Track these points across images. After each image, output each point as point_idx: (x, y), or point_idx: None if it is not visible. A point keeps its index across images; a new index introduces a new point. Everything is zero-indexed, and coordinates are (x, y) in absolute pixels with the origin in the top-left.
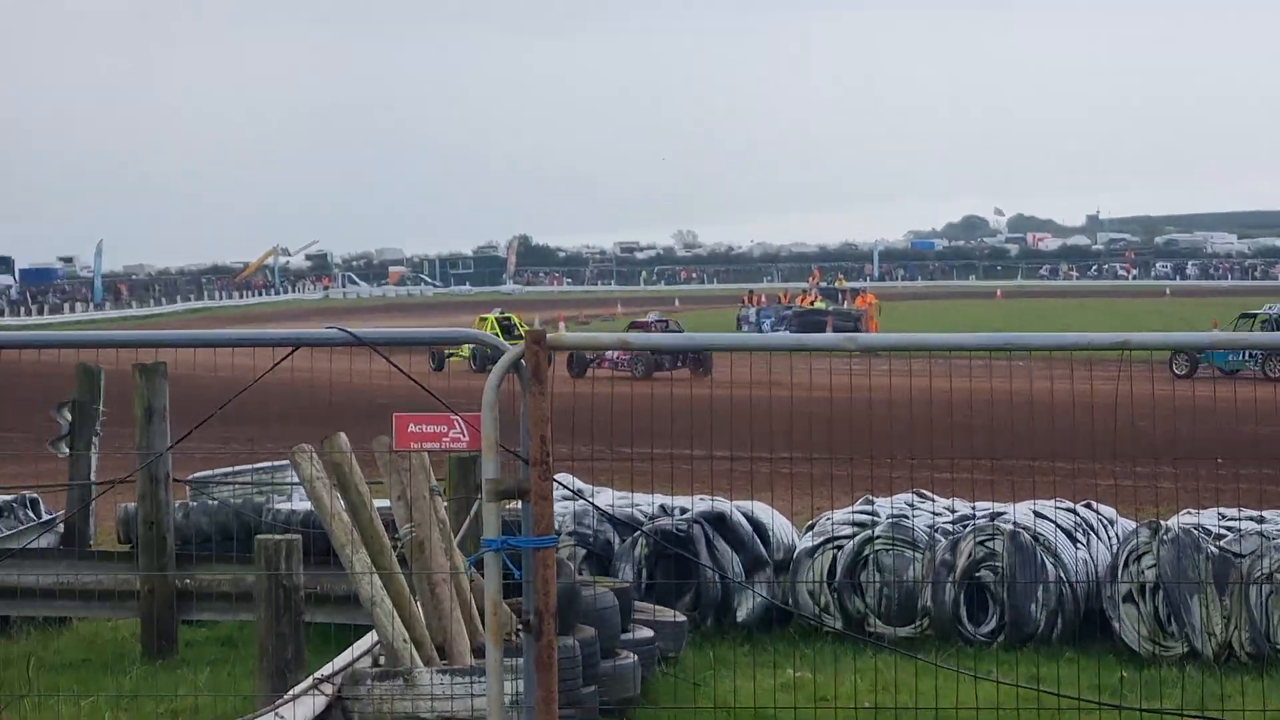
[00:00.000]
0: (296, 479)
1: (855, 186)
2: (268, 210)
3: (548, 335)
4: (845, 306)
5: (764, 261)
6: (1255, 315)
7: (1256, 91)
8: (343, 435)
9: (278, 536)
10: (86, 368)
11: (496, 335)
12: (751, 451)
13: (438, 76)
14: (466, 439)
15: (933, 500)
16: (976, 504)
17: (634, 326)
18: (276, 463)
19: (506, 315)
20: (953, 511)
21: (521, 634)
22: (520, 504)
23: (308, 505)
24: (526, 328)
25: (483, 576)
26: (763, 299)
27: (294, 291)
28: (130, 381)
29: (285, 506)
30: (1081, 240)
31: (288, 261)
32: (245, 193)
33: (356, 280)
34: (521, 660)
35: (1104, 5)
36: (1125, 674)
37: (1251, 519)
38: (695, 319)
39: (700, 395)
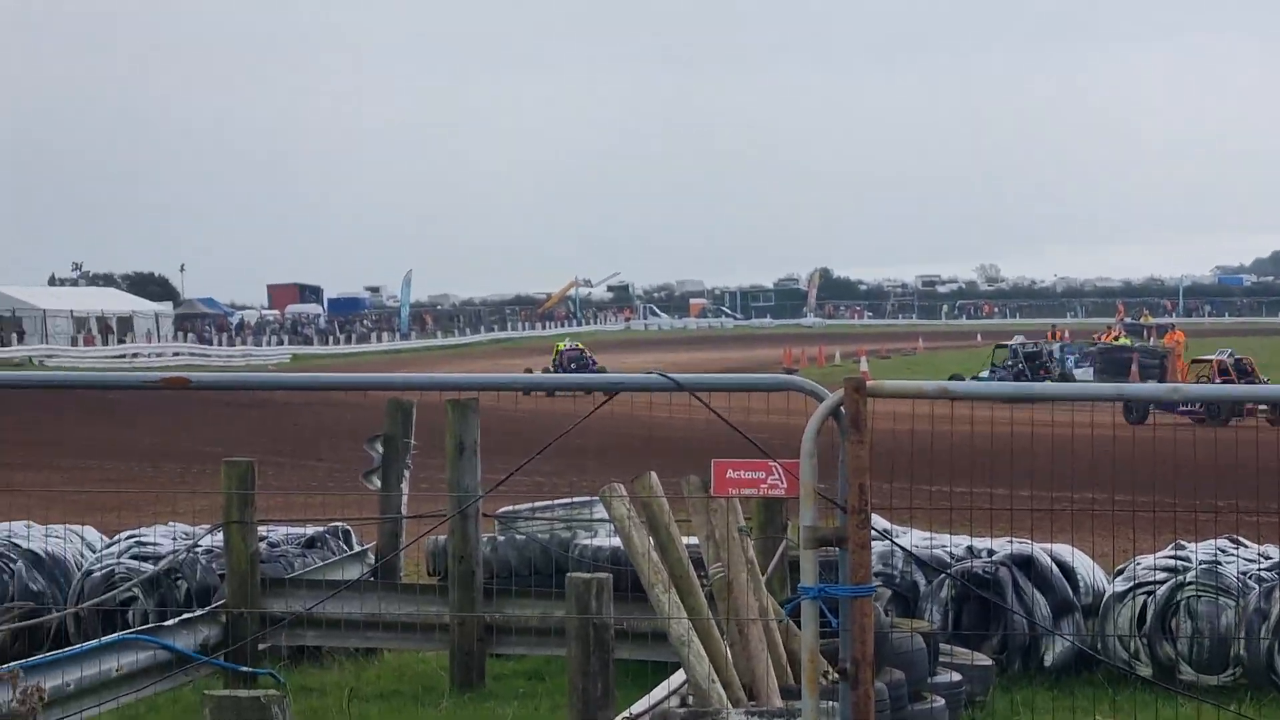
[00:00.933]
0: (602, 515)
1: (1160, 220)
2: (571, 242)
3: (868, 384)
4: (1151, 343)
5: (1067, 296)
6: (1006, 345)
7: None
8: (653, 474)
9: (588, 575)
10: (398, 403)
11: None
12: (1072, 491)
13: (736, 105)
14: (785, 485)
15: (1246, 546)
16: None
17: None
18: (583, 498)
19: (576, 345)
20: (1267, 558)
21: (836, 680)
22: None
23: (614, 541)
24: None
25: (797, 623)
26: (1066, 334)
27: (595, 323)
28: (441, 414)
29: (592, 542)
30: None
31: (589, 293)
32: (549, 224)
33: (658, 312)
34: (832, 704)
35: None
36: None
37: None
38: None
39: (1021, 433)
